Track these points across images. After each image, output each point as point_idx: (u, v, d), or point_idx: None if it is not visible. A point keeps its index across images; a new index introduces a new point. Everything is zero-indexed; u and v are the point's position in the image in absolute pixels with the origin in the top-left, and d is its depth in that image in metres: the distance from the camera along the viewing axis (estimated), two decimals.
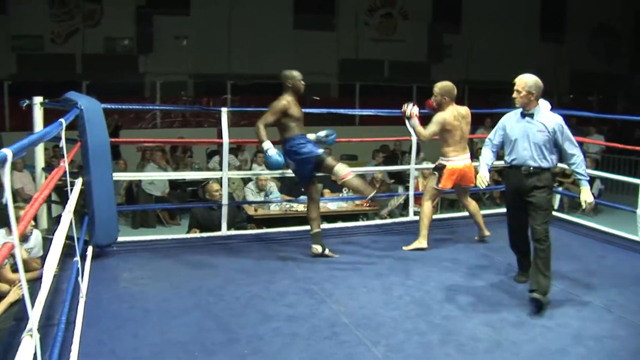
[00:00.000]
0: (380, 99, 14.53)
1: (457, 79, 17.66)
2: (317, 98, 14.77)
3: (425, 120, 5.54)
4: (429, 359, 3.36)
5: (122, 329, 3.64)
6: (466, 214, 6.43)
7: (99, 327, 3.61)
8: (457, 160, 5.46)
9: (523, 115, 4.30)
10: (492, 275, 4.81)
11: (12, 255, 4.13)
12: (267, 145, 4.87)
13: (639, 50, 19.33)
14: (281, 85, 5.08)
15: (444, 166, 5.49)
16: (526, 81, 4.23)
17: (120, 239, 5.28)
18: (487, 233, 5.80)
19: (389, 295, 4.33)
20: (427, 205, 5.54)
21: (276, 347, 3.45)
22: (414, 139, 6.39)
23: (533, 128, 4.24)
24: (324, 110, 6.70)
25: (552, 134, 4.21)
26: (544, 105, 4.48)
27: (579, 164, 4.27)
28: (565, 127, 4.24)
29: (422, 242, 5.49)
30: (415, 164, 6.88)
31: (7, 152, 1.80)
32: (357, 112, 13.26)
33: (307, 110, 5.48)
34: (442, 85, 5.42)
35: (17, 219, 1.75)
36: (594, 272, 4.91)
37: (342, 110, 7.52)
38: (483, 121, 13.48)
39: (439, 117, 5.38)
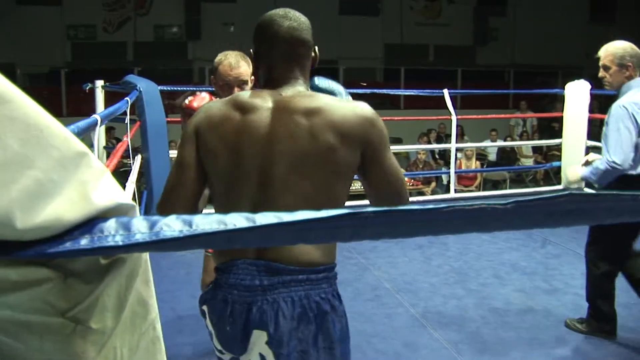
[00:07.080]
0: (426, 83, 14.58)
1: (503, 63, 17.38)
2: (364, 84, 14.80)
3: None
4: (464, 319, 3.61)
5: (180, 291, 4.00)
6: (498, 192, 6.45)
7: (159, 289, 3.95)
8: None
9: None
10: (530, 248, 5.02)
11: None
12: None
13: None
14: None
15: None
16: (614, 51, 2.97)
17: None
18: None
19: (428, 265, 4.61)
20: None
21: None
22: (454, 118, 6.57)
23: None
24: (367, 91, 7.11)
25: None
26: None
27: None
28: (614, 115, 2.91)
29: None
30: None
31: (96, 116, 2.10)
32: (400, 92, 13.25)
33: (354, 90, 5.51)
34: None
35: None
36: None
37: (384, 91, 7.87)
38: (518, 104, 13.43)
39: None
